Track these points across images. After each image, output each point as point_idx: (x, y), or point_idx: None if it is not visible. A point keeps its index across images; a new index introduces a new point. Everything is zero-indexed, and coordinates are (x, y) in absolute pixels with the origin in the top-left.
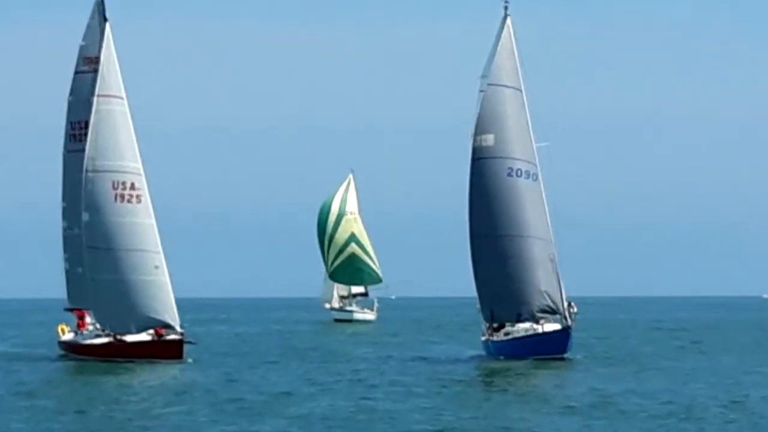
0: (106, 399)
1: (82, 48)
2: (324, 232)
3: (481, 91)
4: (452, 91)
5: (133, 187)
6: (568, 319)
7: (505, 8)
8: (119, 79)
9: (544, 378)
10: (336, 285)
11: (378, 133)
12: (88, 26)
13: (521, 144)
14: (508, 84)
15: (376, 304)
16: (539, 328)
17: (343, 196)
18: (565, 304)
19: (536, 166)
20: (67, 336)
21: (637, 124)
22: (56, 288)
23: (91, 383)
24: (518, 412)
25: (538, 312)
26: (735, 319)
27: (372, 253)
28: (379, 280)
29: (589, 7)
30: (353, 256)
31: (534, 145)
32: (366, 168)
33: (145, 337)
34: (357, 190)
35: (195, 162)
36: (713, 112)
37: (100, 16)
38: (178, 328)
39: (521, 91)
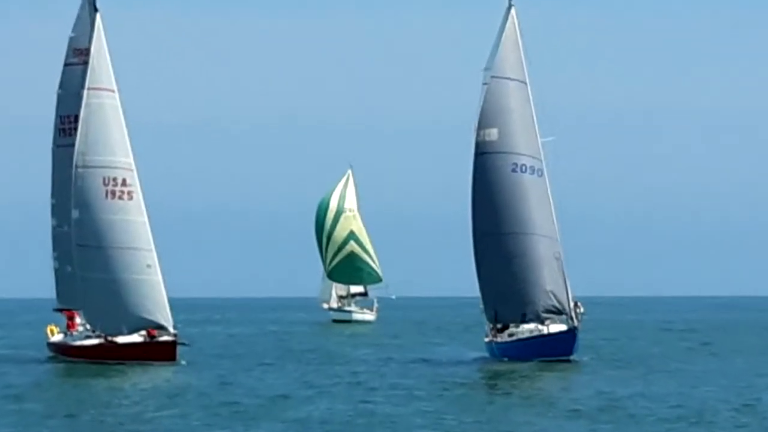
0: (96, 402)
1: (71, 39)
2: (322, 230)
3: (484, 83)
4: (454, 84)
5: (124, 183)
6: (575, 320)
7: None
8: (110, 71)
9: (549, 381)
10: (334, 284)
11: (377, 128)
12: (78, 17)
13: (526, 138)
14: (513, 76)
15: (375, 305)
16: (544, 329)
17: (341, 192)
18: (572, 304)
19: (541, 161)
20: (57, 337)
21: (647, 118)
22: (45, 287)
23: (81, 386)
24: (523, 416)
25: (543, 312)
26: (747, 320)
27: (371, 251)
28: (379, 280)
29: None
30: (352, 255)
31: (539, 140)
32: (365, 163)
33: (137, 338)
34: (356, 186)
35: (189, 157)
36: (726, 105)
37: (90, 6)
38: (171, 329)
39: (526, 83)
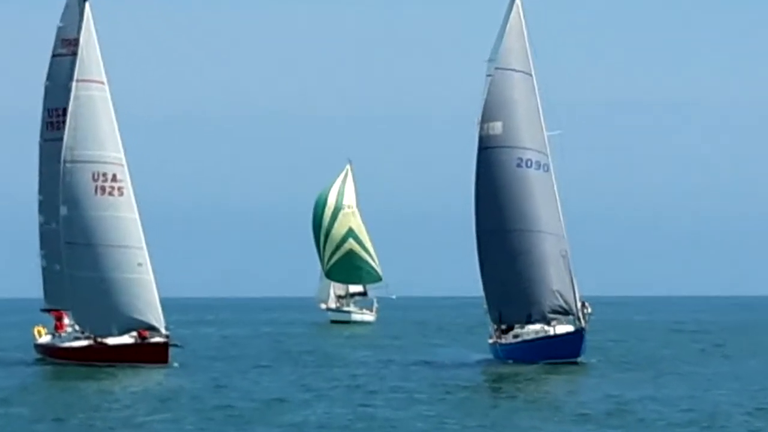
0: (85, 406)
1: (59, 29)
2: (320, 227)
3: (488, 75)
4: (457, 76)
5: (114, 178)
6: (582, 321)
7: None
8: (100, 62)
9: (555, 384)
10: (332, 284)
11: (377, 121)
12: (67, 6)
13: (531, 132)
14: (517, 68)
15: (375, 305)
16: (551, 330)
17: (340, 188)
18: (579, 304)
19: (547, 156)
20: (44, 338)
21: (657, 112)
22: (32, 287)
23: (69, 389)
24: (528, 420)
25: (549, 313)
26: (761, 321)
27: (371, 249)
28: (379, 279)
29: None
30: (351, 253)
31: (545, 134)
32: (365, 158)
33: (127, 339)
34: (355, 181)
35: (181, 152)
36: (739, 99)
37: None
38: (163, 330)
39: (531, 75)
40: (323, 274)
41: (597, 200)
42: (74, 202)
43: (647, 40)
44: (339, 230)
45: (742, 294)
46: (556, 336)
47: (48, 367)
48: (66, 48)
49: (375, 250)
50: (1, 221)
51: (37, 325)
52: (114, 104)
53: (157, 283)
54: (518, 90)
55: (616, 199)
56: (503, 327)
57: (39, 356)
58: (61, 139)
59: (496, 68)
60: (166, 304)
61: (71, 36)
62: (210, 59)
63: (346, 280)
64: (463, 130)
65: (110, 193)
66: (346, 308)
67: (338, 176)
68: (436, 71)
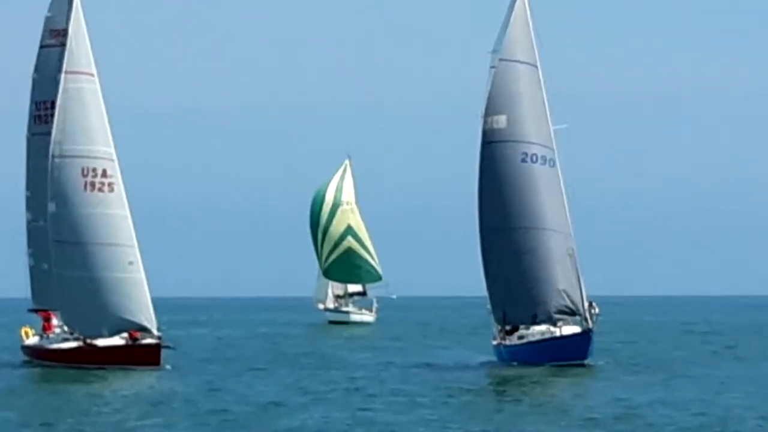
0: (74, 410)
1: (47, 20)
2: (317, 225)
3: (492, 67)
4: (460, 68)
5: (104, 174)
6: (589, 321)
7: None
8: (89, 54)
9: (562, 387)
10: (331, 283)
11: (377, 114)
12: None
13: (537, 126)
14: (522, 59)
15: (375, 305)
16: (557, 331)
17: (338, 184)
18: (586, 305)
19: (553, 150)
20: (32, 340)
21: (666, 104)
22: (19, 286)
23: (57, 393)
24: (533, 424)
25: (555, 313)
26: None
27: (370, 247)
28: (379, 278)
29: None
30: (350, 251)
31: (551, 127)
32: (364, 153)
33: (118, 341)
34: (354, 177)
35: (173, 146)
36: (751, 91)
37: None
38: (155, 331)
39: (536, 67)
40: (321, 273)
41: (605, 196)
42: (63, 199)
43: (658, 30)
44: (337, 227)
45: (755, 294)
46: (562, 337)
47: (36, 370)
48: (54, 39)
49: (374, 248)
50: None
51: (25, 326)
52: (104, 97)
53: (148, 283)
54: (523, 82)
55: (624, 195)
56: (508, 328)
57: (26, 358)
58: (49, 133)
59: (500, 59)
60: (158, 304)
61: (60, 26)
62: (204, 50)
63: (345, 280)
64: (465, 123)
65: (100, 189)
66: (344, 308)
67: (337, 171)
68: (437, 62)
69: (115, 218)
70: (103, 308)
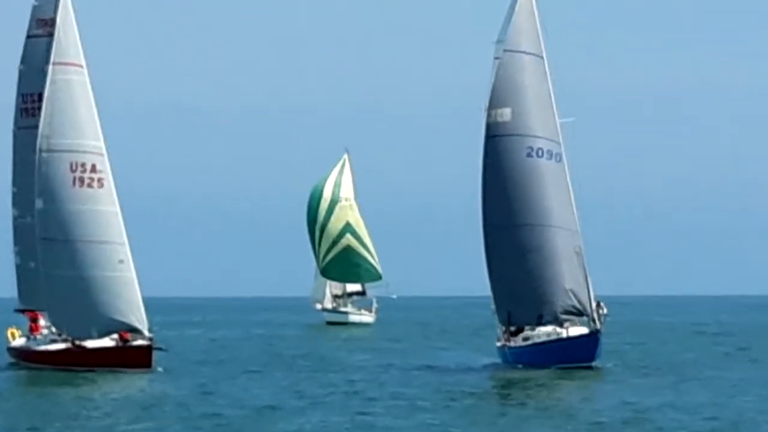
0: (63, 414)
1: (34, 8)
2: (315, 222)
3: (496, 58)
4: (463, 59)
5: (94, 169)
6: (597, 322)
7: None
8: (78, 44)
9: (568, 390)
10: (328, 282)
11: (376, 107)
12: None
13: (542, 119)
14: (528, 50)
15: (374, 305)
16: (563, 332)
17: (336, 179)
18: (594, 305)
19: (560, 144)
20: (18, 341)
21: (676, 97)
22: (5, 286)
23: (45, 396)
24: (539, 429)
25: (562, 313)
26: None
27: (370, 245)
28: (379, 277)
29: None
30: (348, 249)
31: (557, 121)
32: (364, 147)
33: (108, 342)
34: (353, 172)
35: (165, 141)
36: (762, 87)
37: None
38: (146, 332)
39: (542, 58)
40: (318, 272)
41: (613, 192)
42: (50, 195)
43: (662, 28)
44: (335, 225)
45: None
46: (569, 338)
47: (22, 372)
48: (42, 28)
49: (374, 246)
50: None
51: (11, 326)
52: (93, 89)
53: (139, 282)
54: (528, 74)
55: (633, 191)
56: (512, 329)
57: (12, 360)
58: (37, 126)
59: (505, 50)
60: (149, 304)
61: (47, 15)
62: (199, 42)
63: (343, 279)
64: (469, 117)
65: (89, 185)
66: (343, 309)
67: (335, 167)
68: (439, 54)
69: (105, 215)
70: (92, 308)
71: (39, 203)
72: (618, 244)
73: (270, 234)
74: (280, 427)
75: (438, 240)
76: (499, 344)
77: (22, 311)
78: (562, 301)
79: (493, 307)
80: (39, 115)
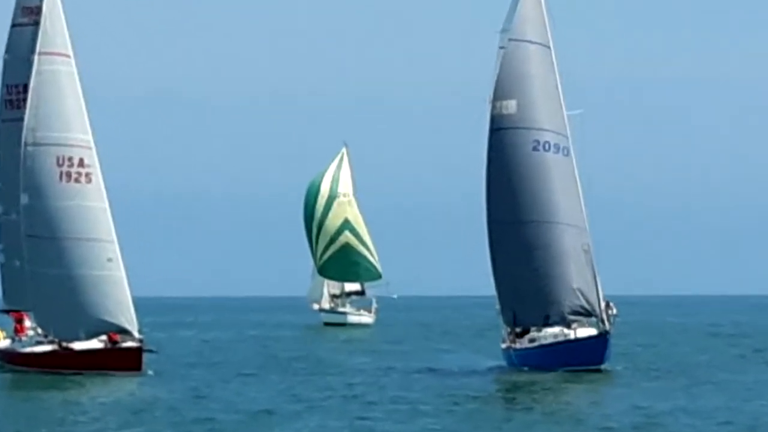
0: (49, 419)
1: None
2: (312, 218)
3: (501, 48)
4: (466, 49)
5: (81, 163)
6: (606, 323)
7: None
8: (65, 33)
9: (577, 394)
10: (326, 282)
11: (376, 99)
12: None
13: (549, 112)
14: (534, 39)
15: (374, 305)
16: (571, 334)
17: (334, 174)
18: (603, 305)
19: (567, 138)
20: (3, 343)
21: (688, 88)
22: None
23: (31, 400)
24: None
25: (569, 314)
26: None
27: (369, 243)
28: (378, 276)
29: None
30: (347, 247)
31: (564, 113)
32: (363, 141)
33: (96, 344)
34: (352, 167)
35: (156, 135)
36: None
37: None
38: (136, 334)
39: (549, 47)
40: (316, 271)
41: (623, 188)
42: (36, 190)
43: (681, 8)
44: (333, 221)
45: None
46: (577, 340)
47: (7, 375)
48: (27, 17)
49: (374, 244)
50: None
51: None
52: (81, 80)
53: (129, 281)
54: (534, 64)
55: (644, 186)
56: (518, 330)
57: None
58: (22, 119)
59: (510, 40)
60: (139, 304)
61: (33, 3)
62: (191, 30)
63: (342, 278)
64: (472, 109)
65: (77, 180)
66: (341, 309)
67: (333, 161)
68: (442, 44)
69: (93, 211)
70: (79, 309)
71: (24, 199)
72: (628, 241)
73: (265, 231)
74: None
75: (440, 237)
76: (503, 346)
77: (7, 312)
78: (570, 301)
79: (497, 307)
80: (24, 107)
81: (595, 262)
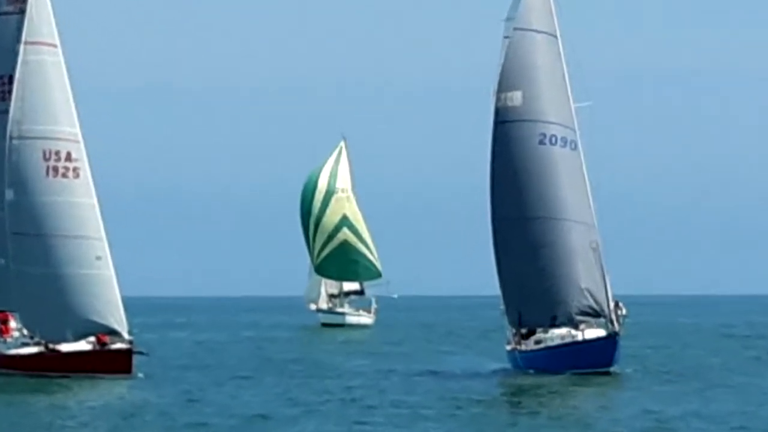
0: (35, 424)
1: None
2: (309, 215)
3: (506, 37)
4: (470, 38)
5: (69, 157)
6: (615, 324)
7: None
8: (52, 22)
9: (585, 398)
10: (324, 281)
11: (376, 91)
12: None
13: (556, 104)
14: (540, 28)
15: (374, 305)
16: (579, 335)
17: (332, 168)
18: (612, 305)
19: (575, 131)
20: None
21: (703, 79)
22: None
23: (16, 404)
24: None
25: (577, 314)
26: None
27: (369, 240)
28: (378, 275)
29: None
30: (345, 245)
31: (572, 106)
32: (362, 134)
33: (84, 345)
34: (350, 161)
35: (146, 128)
36: None
37: None
38: (126, 335)
39: (556, 37)
40: (313, 270)
41: (633, 183)
42: (22, 186)
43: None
44: (331, 218)
45: None
46: (585, 342)
47: None
48: (12, 5)
49: (373, 242)
50: None
51: None
52: (68, 71)
53: (118, 280)
54: (541, 54)
55: (655, 181)
56: (523, 331)
57: None
58: (7, 111)
59: (515, 28)
60: (129, 304)
61: None
62: (182, 20)
63: (340, 277)
64: (476, 101)
65: (64, 175)
66: (339, 309)
67: (331, 155)
68: (444, 33)
69: (81, 207)
70: (67, 309)
71: (9, 194)
72: (638, 238)
73: (260, 228)
74: None
75: (443, 235)
76: (508, 348)
77: None
78: (578, 301)
79: (502, 307)
80: (9, 98)
81: (603, 260)
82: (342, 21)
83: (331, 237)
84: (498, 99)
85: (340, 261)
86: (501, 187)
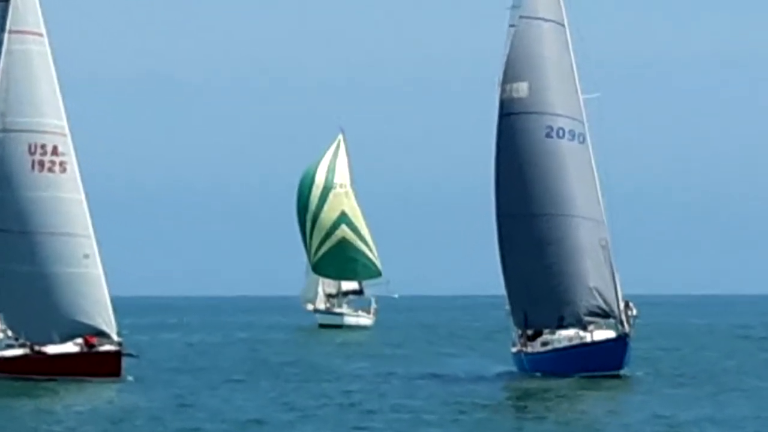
0: (20, 429)
1: None
2: (306, 211)
3: (511, 25)
4: (474, 27)
5: (55, 151)
6: (625, 325)
7: None
8: (37, 10)
9: (593, 402)
10: (321, 280)
11: (376, 82)
12: None
13: (564, 95)
14: (547, 16)
15: (373, 305)
16: (587, 337)
17: (330, 163)
18: (622, 305)
19: (583, 123)
20: None
21: (715, 69)
22: None
23: (0, 408)
24: None
25: (585, 315)
26: None
27: (368, 238)
28: (378, 274)
29: None
30: (344, 242)
31: (580, 97)
32: (361, 127)
33: (71, 347)
34: (349, 155)
35: (136, 120)
36: None
37: None
38: (115, 336)
39: (564, 26)
40: (310, 268)
41: (643, 178)
42: (6, 180)
43: None
44: (329, 214)
45: None
46: (593, 343)
47: None
48: None
49: (373, 239)
50: None
51: None
52: (55, 61)
53: (107, 279)
54: (548, 44)
55: (666, 176)
56: (529, 332)
57: None
58: None
59: (521, 17)
60: (118, 304)
61: None
62: (174, 9)
63: (338, 276)
64: (481, 92)
65: (50, 170)
66: (337, 309)
67: (328, 149)
68: (448, 21)
69: (68, 203)
70: (53, 309)
71: None
72: (649, 236)
73: (255, 225)
74: None
75: (445, 232)
76: (514, 350)
77: None
78: (586, 301)
79: (507, 307)
80: None
81: (613, 258)
82: (342, 12)
83: (328, 234)
84: (503, 90)
85: (338, 259)
86: (506, 182)
